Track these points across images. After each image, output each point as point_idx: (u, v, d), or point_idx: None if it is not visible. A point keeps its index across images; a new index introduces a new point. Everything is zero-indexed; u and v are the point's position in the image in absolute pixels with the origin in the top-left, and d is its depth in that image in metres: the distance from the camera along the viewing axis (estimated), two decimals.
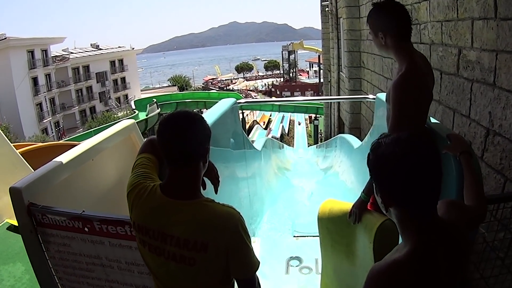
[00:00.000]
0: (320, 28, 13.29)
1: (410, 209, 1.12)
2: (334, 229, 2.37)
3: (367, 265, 1.98)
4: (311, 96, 44.92)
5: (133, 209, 1.40)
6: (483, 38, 2.52)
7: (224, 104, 3.49)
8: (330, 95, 11.61)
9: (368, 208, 2.18)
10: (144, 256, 1.45)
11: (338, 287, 2.58)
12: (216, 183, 1.69)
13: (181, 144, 1.32)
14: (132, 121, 3.75)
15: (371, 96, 5.05)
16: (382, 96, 3.30)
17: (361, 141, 5.07)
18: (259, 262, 1.41)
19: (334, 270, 2.53)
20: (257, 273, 1.45)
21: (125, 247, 1.89)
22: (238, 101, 3.95)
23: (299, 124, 35.37)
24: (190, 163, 1.35)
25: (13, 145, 4.68)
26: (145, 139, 1.65)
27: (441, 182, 1.12)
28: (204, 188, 1.64)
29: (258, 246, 3.28)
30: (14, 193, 2.08)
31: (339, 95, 9.59)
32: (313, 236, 3.16)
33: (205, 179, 1.69)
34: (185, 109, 1.43)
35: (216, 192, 1.65)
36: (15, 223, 4.01)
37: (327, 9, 10.82)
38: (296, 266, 2.94)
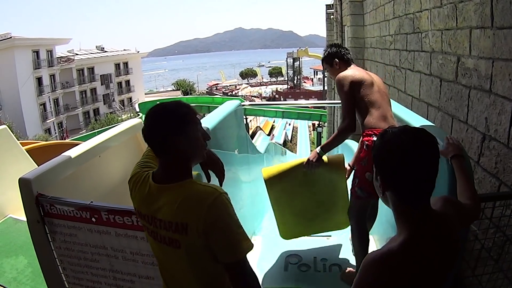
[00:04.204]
0: (325, 35, 13.41)
1: (404, 196, 1.18)
2: (287, 179, 2.72)
3: (336, 189, 2.76)
4: None
5: (133, 197, 1.47)
6: (480, 46, 2.59)
7: (228, 106, 3.50)
8: None
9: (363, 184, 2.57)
10: (150, 242, 1.51)
11: (296, 223, 2.90)
12: (220, 177, 1.73)
13: (151, 135, 1.36)
14: (138, 120, 3.82)
15: None
16: None
17: None
18: (249, 246, 1.32)
19: (290, 212, 2.88)
20: (257, 269, 1.41)
21: (131, 237, 1.94)
22: (241, 103, 4.00)
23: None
24: (165, 152, 1.36)
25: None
26: None
27: (436, 176, 1.19)
28: (208, 181, 1.71)
29: (259, 244, 3.35)
30: (24, 183, 2.12)
31: None
32: (312, 236, 3.23)
33: (210, 172, 1.76)
34: (167, 102, 1.41)
35: (220, 185, 1.67)
36: (19, 217, 4.08)
37: (332, 17, 10.92)
38: (295, 263, 2.99)
